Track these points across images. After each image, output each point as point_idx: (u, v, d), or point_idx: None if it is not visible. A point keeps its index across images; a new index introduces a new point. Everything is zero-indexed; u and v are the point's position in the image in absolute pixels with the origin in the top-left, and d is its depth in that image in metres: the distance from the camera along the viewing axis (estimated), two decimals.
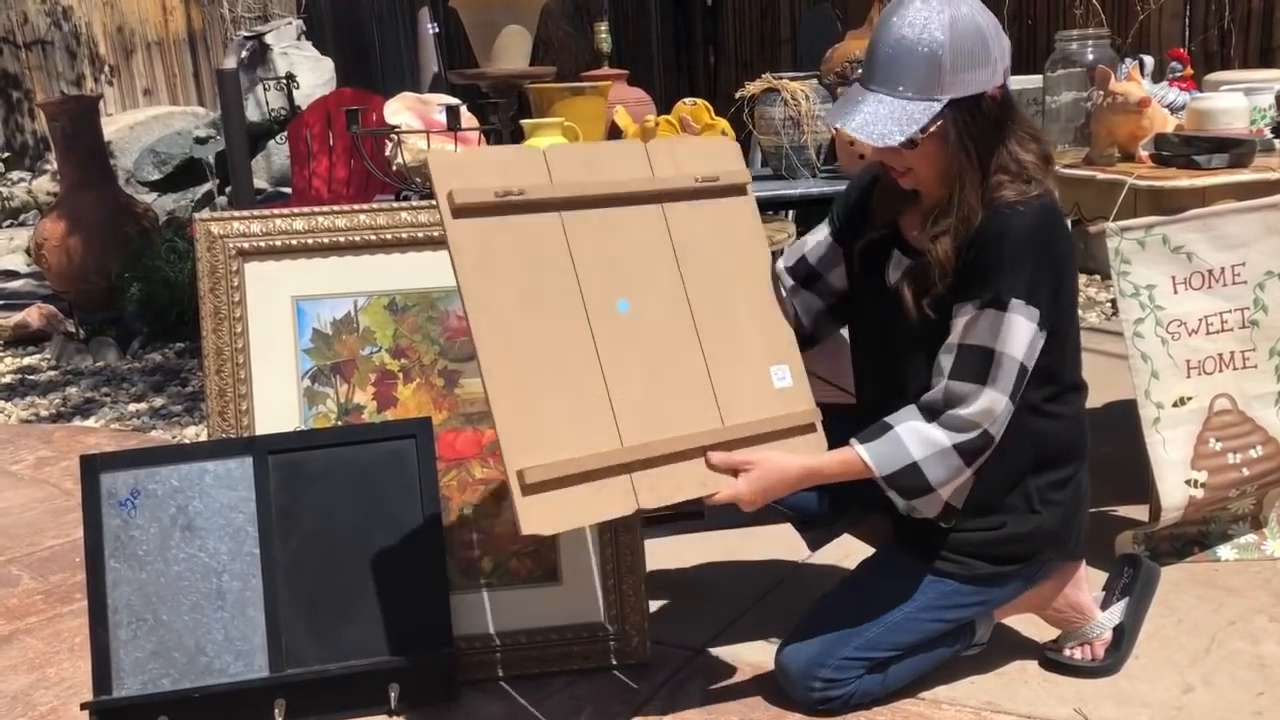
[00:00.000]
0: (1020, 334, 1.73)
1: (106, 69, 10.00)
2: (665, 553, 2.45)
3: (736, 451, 1.77)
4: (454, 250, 1.71)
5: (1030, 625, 2.07)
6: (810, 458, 1.81)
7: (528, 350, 1.71)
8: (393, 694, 1.95)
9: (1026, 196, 1.74)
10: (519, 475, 1.63)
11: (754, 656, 2.08)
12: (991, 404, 1.74)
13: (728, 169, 1.93)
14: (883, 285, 1.89)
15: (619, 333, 1.77)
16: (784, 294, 1.95)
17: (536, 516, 1.64)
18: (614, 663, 2.08)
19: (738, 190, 1.93)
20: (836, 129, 1.74)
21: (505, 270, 1.73)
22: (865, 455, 1.76)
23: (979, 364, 1.74)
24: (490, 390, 1.67)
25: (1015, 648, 2.06)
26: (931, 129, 1.71)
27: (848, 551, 2.12)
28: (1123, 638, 2.00)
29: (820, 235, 2.02)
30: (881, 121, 1.70)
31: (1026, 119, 1.84)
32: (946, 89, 1.69)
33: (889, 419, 1.78)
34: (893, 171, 1.82)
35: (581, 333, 1.75)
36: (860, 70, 1.79)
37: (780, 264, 2.03)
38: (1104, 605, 2.03)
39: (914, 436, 1.75)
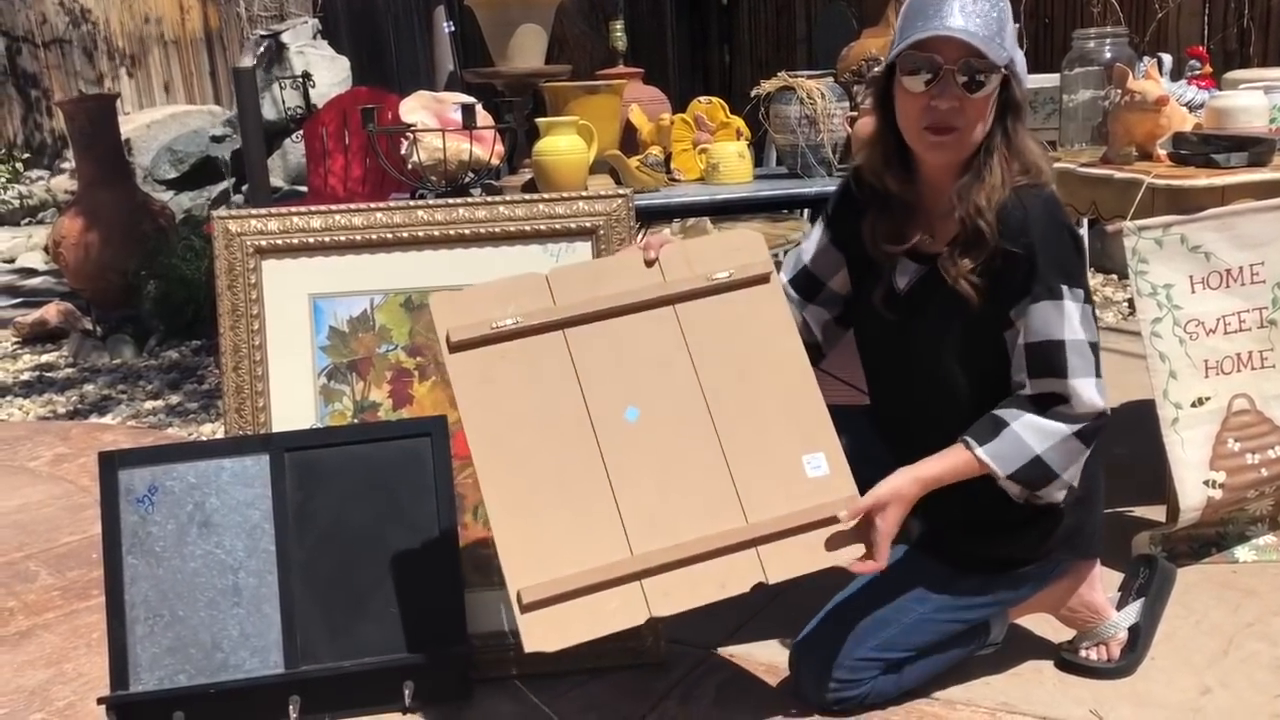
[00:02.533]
0: (1077, 316, 1.74)
1: (124, 68, 10.05)
2: None
3: (864, 500, 1.73)
4: (454, 383, 1.78)
5: (1045, 626, 2.07)
6: (925, 468, 1.75)
7: (530, 470, 1.73)
8: (407, 691, 1.96)
9: (1034, 184, 1.77)
10: (518, 596, 1.66)
11: (768, 656, 2.08)
12: (1088, 395, 1.74)
13: (746, 262, 1.87)
14: (890, 291, 1.89)
15: (627, 441, 1.76)
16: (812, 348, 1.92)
17: (539, 634, 1.65)
18: (628, 662, 2.08)
19: (759, 280, 1.88)
20: (950, 39, 1.69)
21: (506, 395, 1.77)
22: (985, 457, 1.74)
23: (1051, 358, 1.74)
24: (492, 513, 1.71)
25: (1030, 648, 2.05)
26: (997, 80, 1.72)
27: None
28: (1138, 639, 1.99)
29: (818, 242, 2.00)
30: (980, 40, 1.69)
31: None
32: (1008, 47, 1.72)
33: (999, 414, 1.76)
34: (935, 134, 1.75)
35: (587, 446, 1.75)
36: (916, 22, 1.73)
37: (782, 276, 2.01)
38: (1119, 606, 2.02)
39: (1031, 430, 1.74)
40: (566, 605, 1.67)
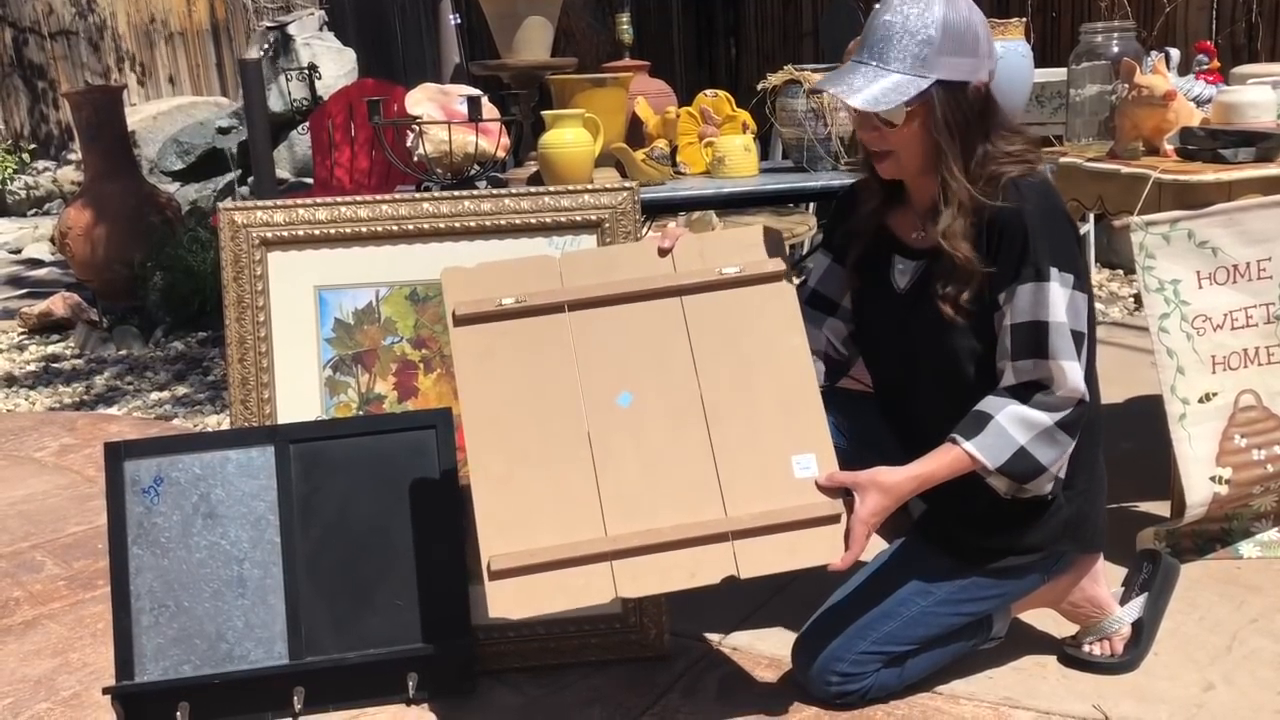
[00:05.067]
0: (1063, 300, 1.74)
1: (130, 59, 10.06)
2: None
3: (844, 473, 1.74)
4: (454, 355, 1.84)
5: (1048, 621, 2.07)
6: (918, 467, 1.75)
7: (516, 444, 1.79)
8: (411, 683, 1.96)
9: (1027, 173, 1.78)
10: (488, 563, 1.71)
11: (771, 649, 2.08)
12: (1072, 376, 1.74)
13: (759, 259, 1.88)
14: (890, 291, 1.90)
15: (616, 425, 1.79)
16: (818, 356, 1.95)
17: (504, 600, 1.71)
18: (632, 655, 2.08)
19: (771, 278, 1.88)
20: (828, 93, 1.78)
21: (504, 371, 1.82)
22: (974, 451, 1.74)
23: (1033, 339, 1.75)
24: (474, 481, 1.76)
25: (1033, 643, 2.05)
26: (916, 105, 1.73)
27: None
28: (1142, 634, 1.99)
29: (822, 265, 2.03)
30: (871, 90, 1.72)
31: (1010, 120, 1.85)
32: (935, 69, 1.72)
33: (983, 408, 1.77)
34: (874, 156, 1.82)
35: (575, 426, 1.79)
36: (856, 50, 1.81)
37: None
38: (1123, 601, 2.02)
39: (1014, 421, 1.74)
40: (534, 577, 1.71)
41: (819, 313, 2.00)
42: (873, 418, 1.99)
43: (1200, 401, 2.22)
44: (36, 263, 7.24)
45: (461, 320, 1.85)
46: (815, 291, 2.02)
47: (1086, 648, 1.99)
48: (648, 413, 1.80)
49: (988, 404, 1.77)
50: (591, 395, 1.81)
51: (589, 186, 2.24)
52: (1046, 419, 1.74)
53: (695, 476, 1.77)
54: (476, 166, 2.63)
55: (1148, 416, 2.36)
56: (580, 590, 1.72)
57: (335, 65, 7.60)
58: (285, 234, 2.15)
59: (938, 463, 1.76)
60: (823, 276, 2.02)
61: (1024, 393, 1.76)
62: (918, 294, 1.85)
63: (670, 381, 1.82)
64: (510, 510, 1.75)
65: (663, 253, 1.89)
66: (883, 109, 1.72)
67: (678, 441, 1.79)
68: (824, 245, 2.06)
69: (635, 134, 2.90)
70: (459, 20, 6.06)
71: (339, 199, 2.19)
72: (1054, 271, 1.73)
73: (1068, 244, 1.77)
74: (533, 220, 2.18)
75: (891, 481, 1.74)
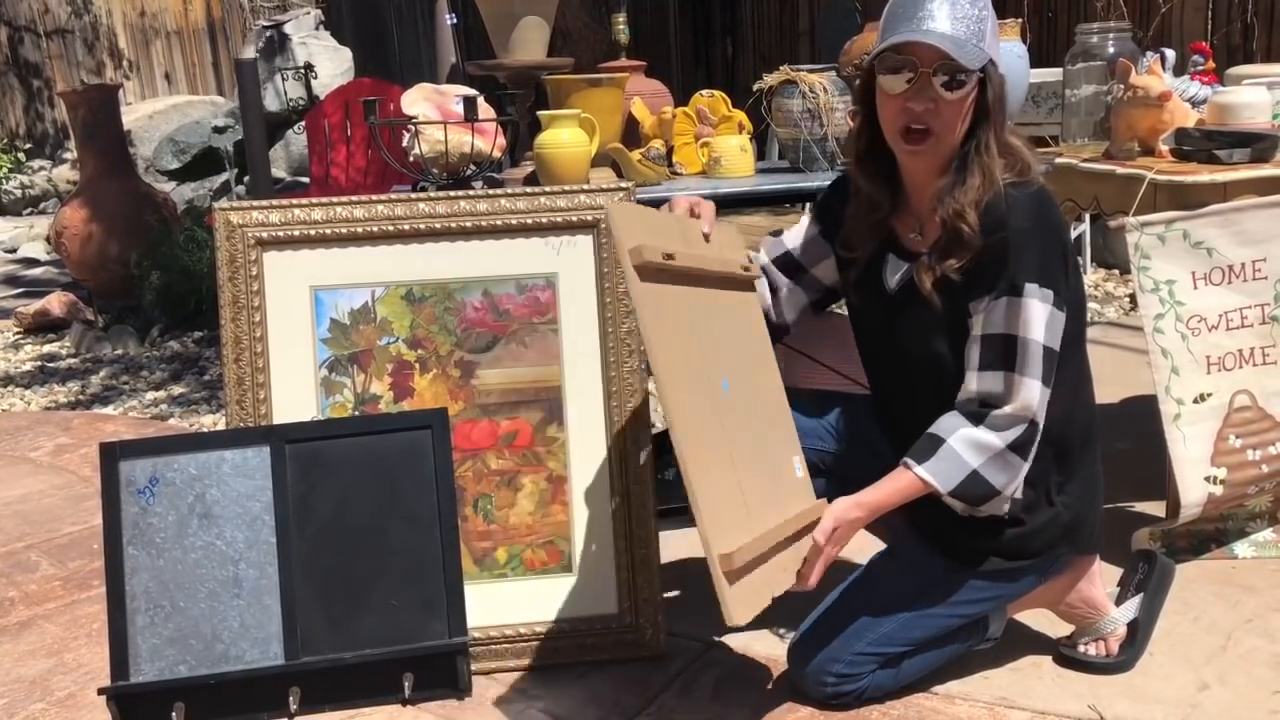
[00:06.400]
0: (1038, 317, 1.72)
1: (126, 58, 10.05)
2: (679, 545, 2.45)
3: (824, 527, 1.72)
4: (639, 309, 1.61)
5: (1044, 621, 2.07)
6: (870, 494, 1.76)
7: (698, 422, 1.60)
8: (407, 683, 1.96)
9: (1022, 181, 1.76)
10: (724, 559, 1.50)
11: (767, 649, 2.08)
12: (1027, 394, 1.73)
13: (747, 259, 1.91)
14: (881, 290, 1.90)
15: (727, 411, 1.71)
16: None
17: (739, 604, 1.51)
18: (627, 655, 2.08)
19: (753, 282, 1.94)
20: (925, 44, 1.68)
21: (672, 336, 1.64)
22: (926, 475, 1.74)
23: (1002, 351, 1.73)
24: (688, 467, 1.52)
25: (1029, 643, 2.05)
26: (977, 75, 1.71)
27: (861, 546, 2.11)
28: (1137, 634, 1.99)
29: (807, 231, 2.01)
30: (955, 41, 1.68)
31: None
32: (988, 44, 1.72)
33: (936, 431, 1.76)
34: (912, 137, 1.76)
35: (715, 407, 1.67)
36: (897, 24, 1.74)
37: (763, 257, 2.02)
38: (1118, 601, 2.03)
39: (966, 444, 1.73)
40: (754, 574, 1.57)
41: (782, 274, 1.99)
42: (867, 419, 1.99)
43: (1195, 402, 2.23)
44: (32, 262, 7.23)
45: (640, 271, 1.60)
46: (791, 254, 2.00)
47: (1082, 648, 2.00)
48: (739, 401, 1.75)
49: (940, 426, 1.76)
50: (710, 375, 1.70)
51: (585, 187, 2.24)
52: (998, 441, 1.73)
53: (774, 470, 1.76)
54: (473, 166, 2.63)
55: (1143, 417, 2.36)
56: (775, 583, 1.61)
57: (331, 64, 7.60)
58: (281, 234, 2.15)
59: (890, 488, 1.76)
60: (806, 243, 2.00)
61: (978, 411, 1.75)
62: (907, 295, 1.85)
63: (745, 373, 1.80)
64: (722, 500, 1.57)
65: (705, 236, 1.85)
66: (970, 63, 1.68)
67: (759, 435, 1.77)
68: (816, 215, 2.02)
69: (631, 134, 2.90)
70: (455, 20, 6.06)
71: (335, 199, 2.19)
72: (1032, 287, 1.72)
73: (1053, 260, 1.74)
74: (529, 221, 2.18)
75: (838, 510, 1.74)
